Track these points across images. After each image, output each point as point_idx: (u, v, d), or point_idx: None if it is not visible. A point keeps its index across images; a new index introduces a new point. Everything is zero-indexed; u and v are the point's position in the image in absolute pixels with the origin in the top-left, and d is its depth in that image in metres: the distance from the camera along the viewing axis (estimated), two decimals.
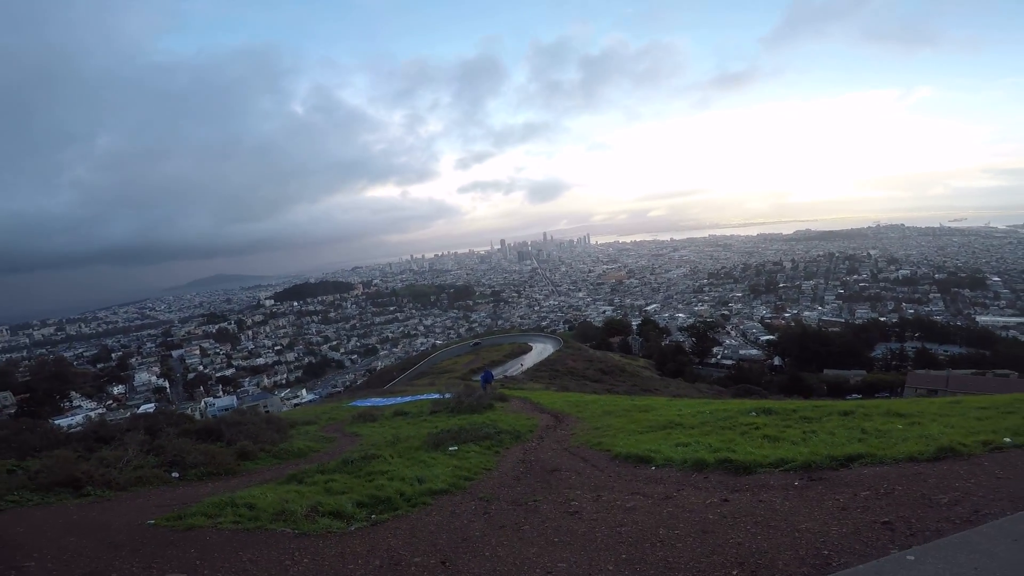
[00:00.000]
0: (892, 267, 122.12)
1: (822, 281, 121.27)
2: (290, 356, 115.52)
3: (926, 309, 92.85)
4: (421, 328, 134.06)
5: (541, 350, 48.99)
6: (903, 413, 7.55)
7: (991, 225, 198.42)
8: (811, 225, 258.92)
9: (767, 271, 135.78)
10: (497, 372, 37.97)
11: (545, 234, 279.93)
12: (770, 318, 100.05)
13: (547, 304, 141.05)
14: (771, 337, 76.50)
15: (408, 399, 19.09)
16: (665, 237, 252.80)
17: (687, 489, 4.95)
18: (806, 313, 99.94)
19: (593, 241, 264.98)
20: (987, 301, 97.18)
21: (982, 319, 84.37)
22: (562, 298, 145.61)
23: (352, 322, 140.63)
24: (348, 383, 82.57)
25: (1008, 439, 5.11)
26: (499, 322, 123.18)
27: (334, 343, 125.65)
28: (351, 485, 6.50)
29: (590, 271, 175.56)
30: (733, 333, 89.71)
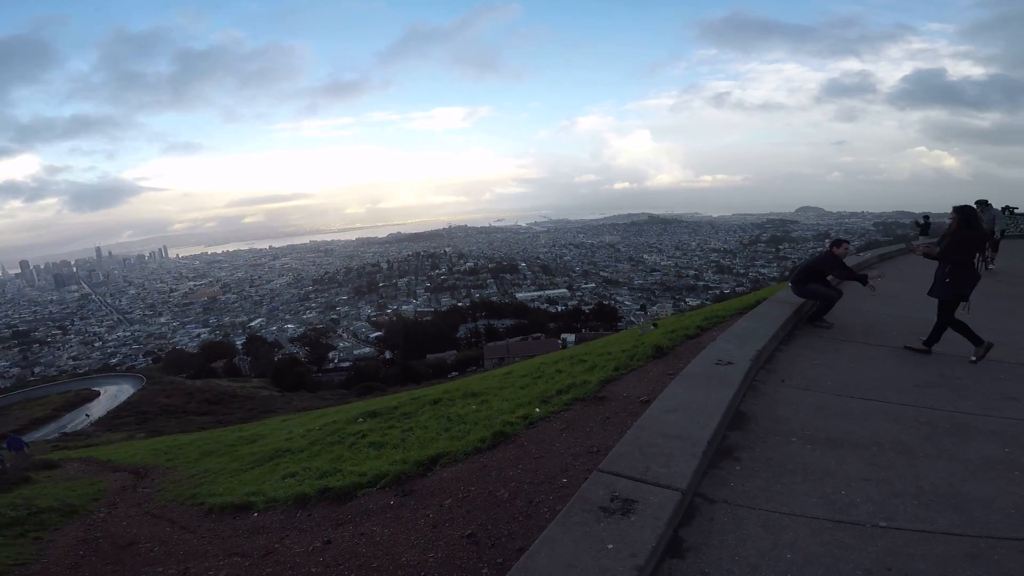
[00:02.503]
0: (462, 261, 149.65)
1: (413, 277, 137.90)
2: None
3: (486, 292, 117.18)
4: None
5: (115, 393, 40.38)
6: (477, 392, 8.06)
7: (518, 223, 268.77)
8: (401, 228, 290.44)
9: (367, 272, 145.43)
10: (47, 431, 29.64)
11: (100, 250, 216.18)
12: (376, 316, 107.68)
13: (114, 337, 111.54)
14: (379, 333, 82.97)
15: None
16: (264, 245, 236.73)
17: (291, 535, 4.54)
18: (404, 307, 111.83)
19: (173, 254, 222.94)
20: (520, 281, 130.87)
21: (519, 295, 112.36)
22: (137, 327, 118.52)
23: None
24: None
25: (538, 409, 5.38)
26: (36, 369, 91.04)
27: None
28: None
29: (172, 290, 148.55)
30: (345, 335, 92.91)
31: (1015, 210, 27.05)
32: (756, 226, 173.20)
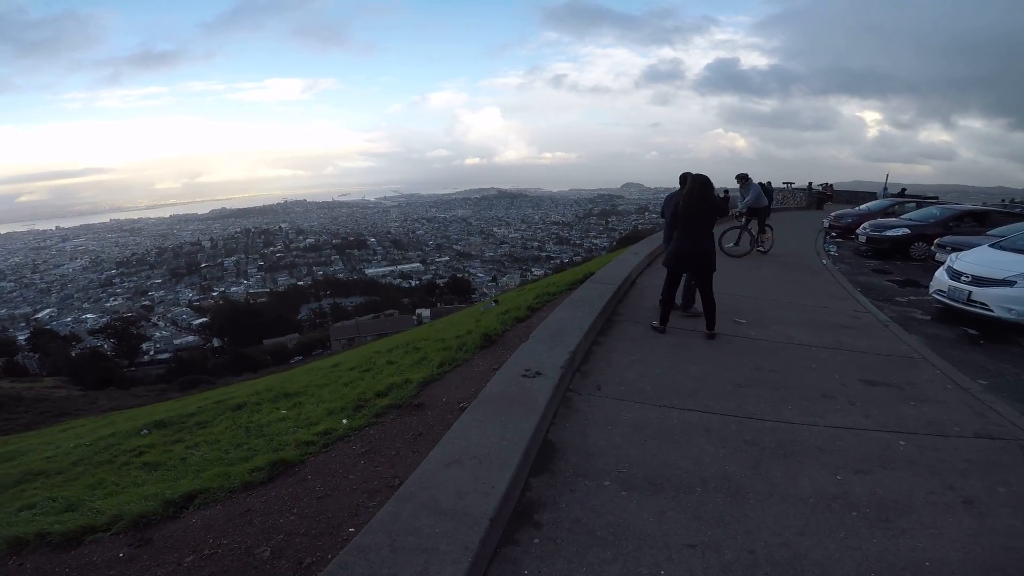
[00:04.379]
0: (301, 237, 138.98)
1: (243, 256, 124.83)
2: None
3: (331, 269, 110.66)
4: None
5: None
6: (291, 392, 7.25)
7: (365, 198, 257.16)
8: (227, 204, 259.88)
9: (186, 252, 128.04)
10: None
11: None
12: (198, 300, 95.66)
13: None
14: (204, 319, 73.95)
15: None
16: (49, 226, 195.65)
17: None
18: (233, 289, 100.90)
19: None
20: (370, 257, 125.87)
21: (369, 271, 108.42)
22: None
23: None
24: None
25: (345, 421, 4.62)
26: None
27: None
28: None
29: None
30: (162, 323, 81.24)
31: (792, 184, 32.60)
32: (589, 201, 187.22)
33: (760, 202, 12.22)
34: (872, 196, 27.79)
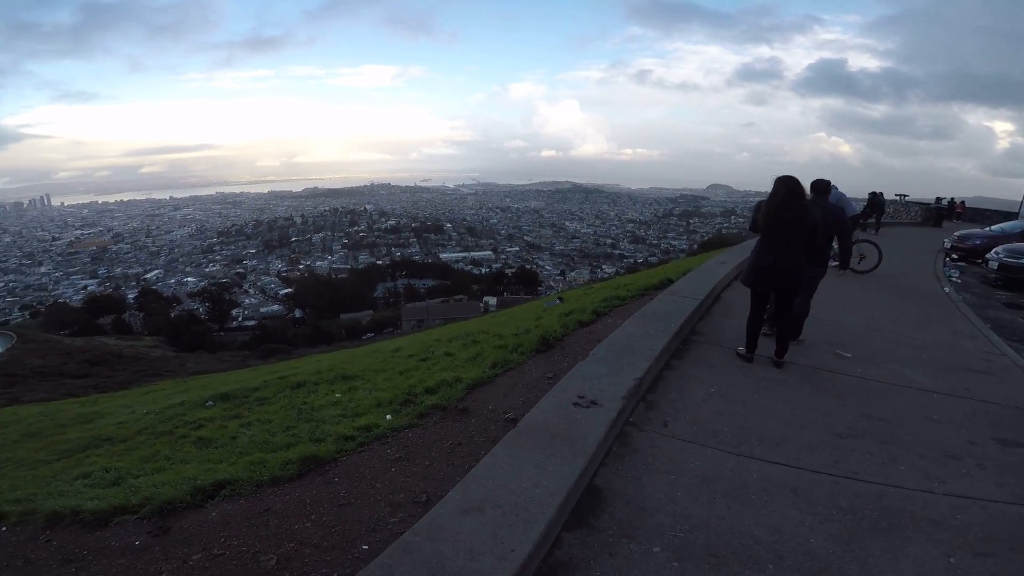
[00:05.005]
0: (383, 219, 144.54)
1: (330, 233, 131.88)
2: None
3: (408, 251, 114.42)
4: None
5: None
6: (350, 375, 7.05)
7: (445, 185, 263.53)
8: (319, 183, 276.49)
9: (279, 226, 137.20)
10: None
11: None
12: (286, 271, 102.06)
13: None
14: (290, 290, 78.65)
15: None
16: (164, 195, 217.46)
17: (12, 566, 3.48)
18: (318, 263, 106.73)
19: (57, 202, 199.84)
20: (445, 242, 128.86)
21: (443, 256, 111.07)
22: (11, 277, 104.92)
23: None
24: None
25: (389, 416, 4.35)
26: None
27: None
28: None
29: (55, 239, 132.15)
30: (252, 291, 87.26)
31: (905, 196, 29.38)
32: (670, 200, 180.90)
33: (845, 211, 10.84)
34: (1007, 216, 24.28)
